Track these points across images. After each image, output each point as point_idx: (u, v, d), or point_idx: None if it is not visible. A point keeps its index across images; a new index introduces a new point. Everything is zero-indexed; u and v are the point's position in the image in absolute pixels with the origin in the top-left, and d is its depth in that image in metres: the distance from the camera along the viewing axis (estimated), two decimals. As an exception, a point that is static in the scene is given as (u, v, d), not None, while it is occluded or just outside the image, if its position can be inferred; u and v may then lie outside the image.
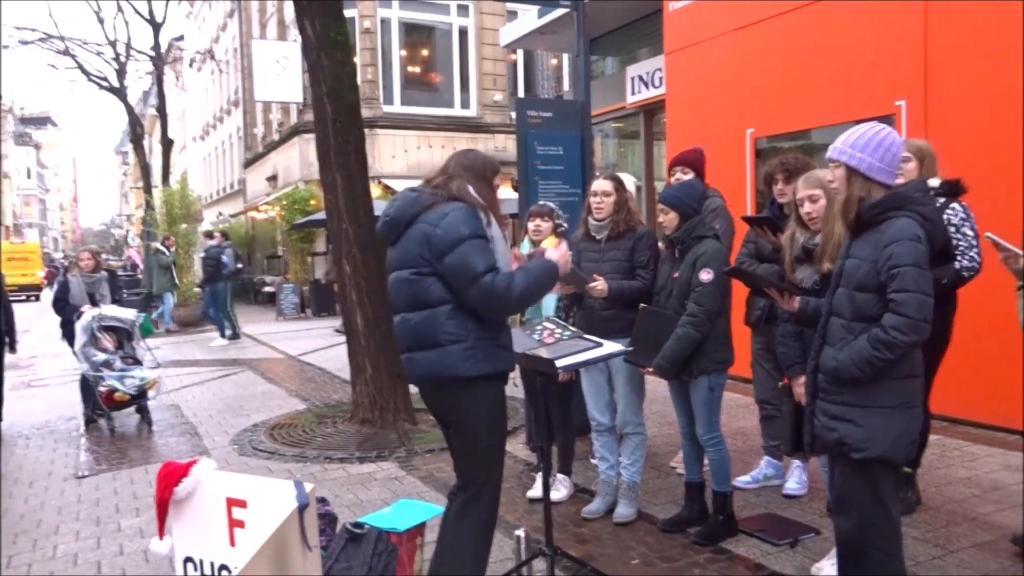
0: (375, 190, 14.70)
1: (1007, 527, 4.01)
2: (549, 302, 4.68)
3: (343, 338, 7.18)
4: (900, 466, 2.84)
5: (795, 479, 4.65)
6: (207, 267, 13.83)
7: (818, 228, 3.48)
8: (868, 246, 2.71)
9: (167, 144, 25.57)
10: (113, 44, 23.41)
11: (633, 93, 10.95)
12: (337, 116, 6.62)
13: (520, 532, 3.60)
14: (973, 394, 5.69)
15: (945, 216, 3.90)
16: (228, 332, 13.84)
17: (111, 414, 6.94)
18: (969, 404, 5.77)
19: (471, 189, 2.98)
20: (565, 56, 15.64)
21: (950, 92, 5.94)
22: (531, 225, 4.78)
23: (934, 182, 4.02)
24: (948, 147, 5.16)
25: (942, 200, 3.95)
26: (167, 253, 16.00)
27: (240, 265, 15.25)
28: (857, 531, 2.77)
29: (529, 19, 12.01)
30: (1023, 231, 3.55)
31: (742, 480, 4.74)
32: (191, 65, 30.31)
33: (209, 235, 15.33)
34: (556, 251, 3.13)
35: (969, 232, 3.89)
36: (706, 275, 3.82)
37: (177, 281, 16.50)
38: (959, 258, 3.84)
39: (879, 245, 2.66)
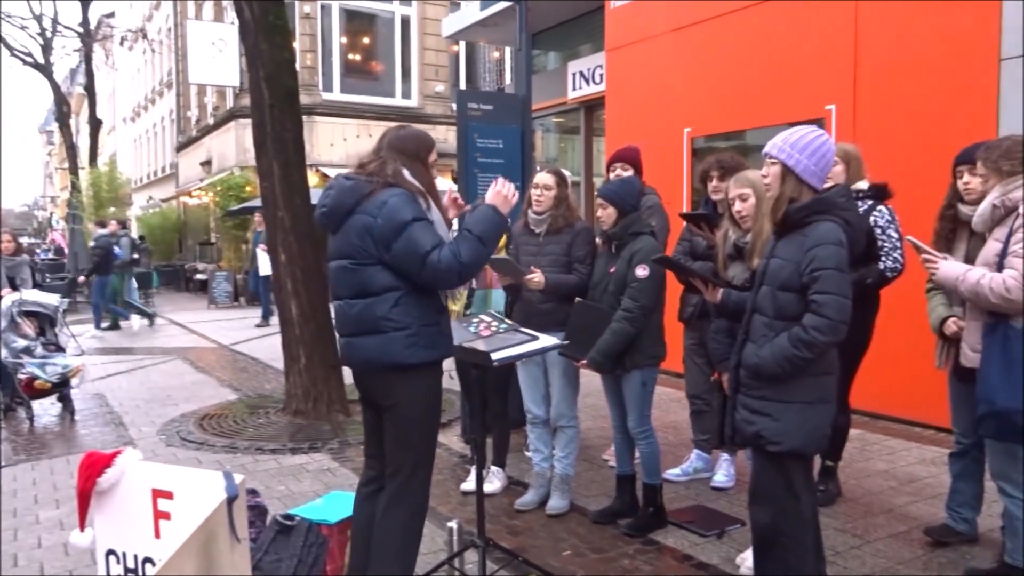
0: (312, 178, 14.50)
1: (921, 518, 4.19)
2: (498, 297, 4.69)
3: (273, 328, 7.07)
4: (812, 459, 2.95)
5: (723, 472, 4.76)
6: (94, 256, 13.18)
7: (749, 226, 3.56)
8: (792, 247, 2.81)
9: (95, 124, 24.80)
10: (39, 18, 22.61)
11: (574, 89, 11.02)
12: (275, 102, 6.50)
13: (453, 524, 3.61)
14: (892, 391, 5.92)
15: (872, 218, 4.04)
16: (138, 319, 13.71)
17: (31, 403, 6.68)
18: (889, 400, 6.00)
19: (406, 173, 2.94)
20: (507, 49, 15.65)
21: (878, 97, 6.14)
22: None
23: (862, 185, 4.16)
24: (875, 151, 5.34)
25: (869, 203, 4.09)
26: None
27: (136, 256, 14.69)
28: (770, 521, 2.88)
29: (472, 11, 11.98)
30: (933, 233, 3.70)
31: (672, 473, 4.84)
32: (122, 44, 29.42)
33: (101, 223, 14.37)
34: (489, 193, 3.01)
35: (894, 234, 4.03)
36: (642, 271, 3.88)
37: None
38: (883, 259, 3.98)
39: (803, 247, 2.76)
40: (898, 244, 4.02)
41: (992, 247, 3.18)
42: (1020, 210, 3.07)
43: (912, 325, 5.40)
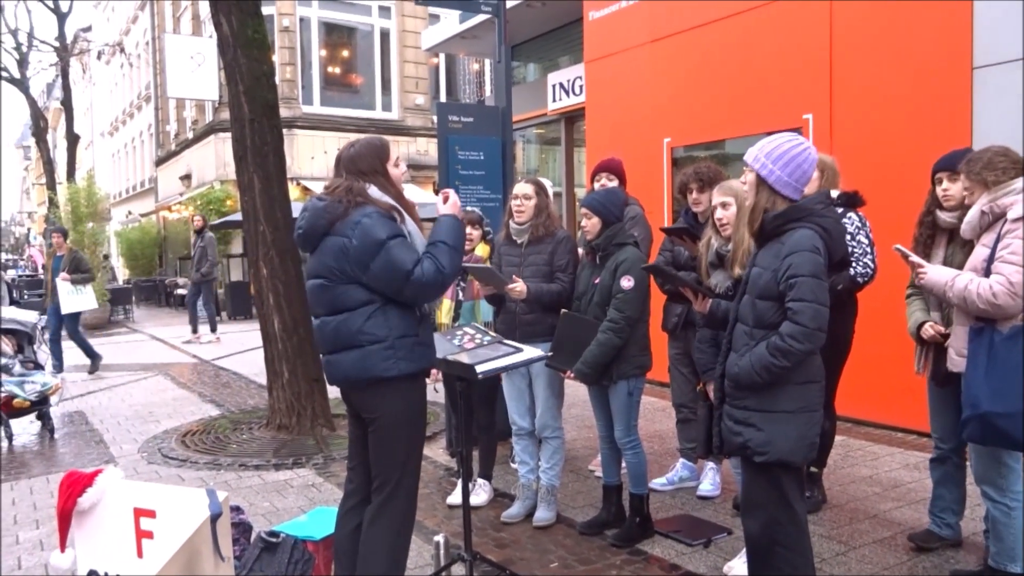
0: (293, 191, 14.41)
1: (905, 523, 4.21)
2: (487, 308, 4.69)
3: (255, 342, 7.01)
4: (801, 467, 2.95)
5: (709, 481, 4.77)
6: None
7: (729, 234, 3.58)
8: (770, 255, 2.81)
9: (73, 139, 24.58)
10: (14, 33, 22.40)
11: (554, 100, 11.07)
12: (254, 116, 6.48)
13: (439, 538, 3.60)
14: (875, 396, 5.96)
15: None
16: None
17: (9, 421, 6.59)
18: (871, 406, 6.04)
19: (372, 190, 2.93)
20: (487, 61, 15.71)
21: (854, 107, 6.21)
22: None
23: (834, 193, 4.20)
24: (852, 159, 5.40)
25: (840, 210, 4.13)
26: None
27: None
28: (764, 531, 2.87)
29: (451, 23, 12.02)
30: (912, 239, 3.74)
31: (658, 482, 4.84)
32: (99, 58, 29.25)
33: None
34: (445, 204, 3.06)
35: (864, 240, 4.06)
36: (627, 282, 3.89)
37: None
38: (854, 264, 4.01)
39: (780, 255, 2.76)
40: (868, 250, 4.05)
41: (980, 253, 3.22)
42: (1008, 216, 3.11)
43: (891, 331, 5.45)
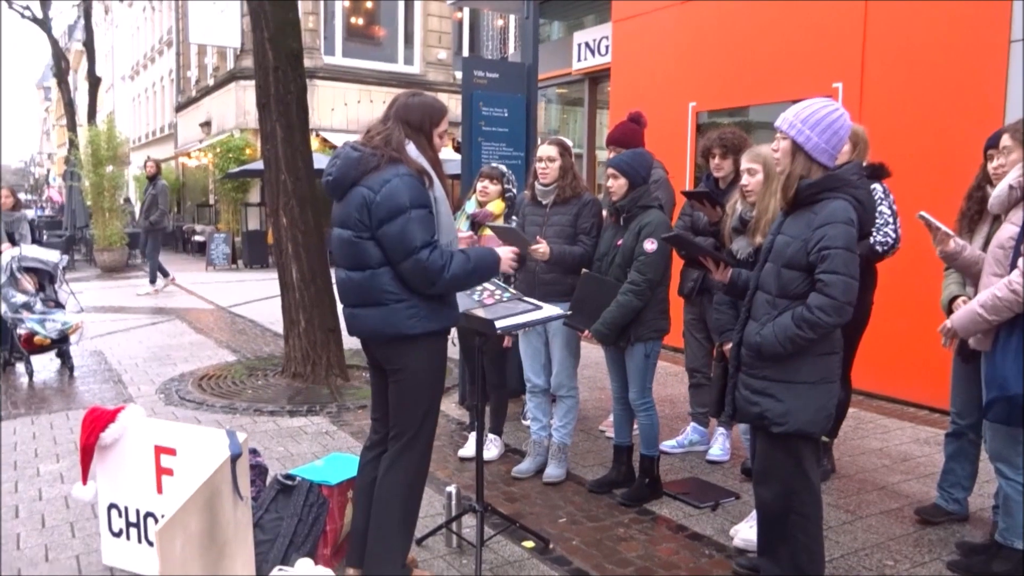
0: (313, 143, 14.39)
1: (913, 496, 4.24)
2: None
3: (271, 291, 7.03)
4: (818, 438, 2.95)
5: (719, 446, 4.80)
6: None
7: (754, 201, 3.55)
8: (800, 224, 2.76)
9: (94, 82, 24.57)
10: (38, -28, 22.23)
11: (579, 60, 10.92)
12: (279, 64, 6.44)
13: (451, 488, 3.66)
14: (888, 370, 5.96)
15: None
16: None
17: (30, 358, 6.70)
18: (885, 379, 6.04)
19: (410, 147, 2.91)
20: (511, 18, 15.49)
21: (885, 77, 6.11)
22: (479, 185, 4.75)
23: (859, 164, 4.15)
24: (881, 130, 5.32)
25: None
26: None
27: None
28: (779, 499, 2.88)
29: (478, -23, 11.84)
30: (958, 212, 3.68)
31: (668, 444, 4.88)
32: (122, 0, 28.98)
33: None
34: (504, 248, 3.09)
35: (886, 210, 4.01)
36: (650, 245, 3.88)
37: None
38: (874, 233, 3.96)
39: (811, 225, 2.71)
40: (891, 220, 4.00)
41: (1007, 230, 3.15)
42: None
43: (909, 306, 5.44)
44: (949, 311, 3.58)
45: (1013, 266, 3.06)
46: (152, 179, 13.20)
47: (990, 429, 3.36)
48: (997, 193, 3.23)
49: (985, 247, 3.39)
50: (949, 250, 3.41)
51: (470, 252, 2.96)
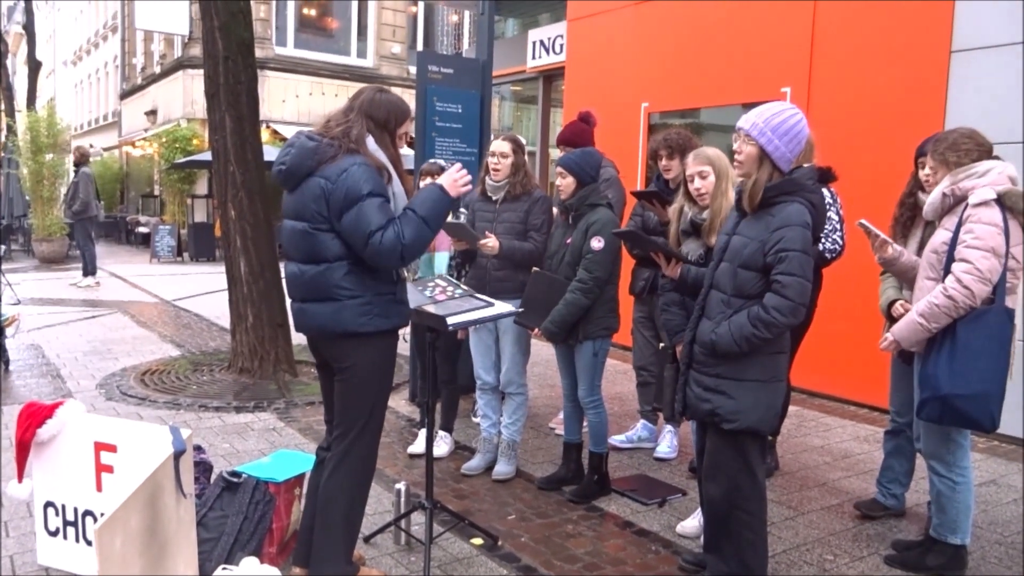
0: (263, 134, 14.17)
1: (853, 492, 4.35)
2: (441, 260, 4.68)
3: (217, 284, 6.90)
4: (765, 436, 3.01)
5: (667, 443, 4.86)
6: None
7: (707, 204, 3.58)
8: (758, 226, 2.80)
9: (34, 66, 23.84)
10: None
11: (534, 58, 10.96)
12: (229, 53, 6.32)
13: (400, 486, 3.64)
14: (829, 370, 6.11)
15: None
16: None
17: (-37, 352, 6.47)
18: (826, 379, 6.19)
19: (370, 141, 2.87)
20: (467, 13, 15.46)
21: (832, 82, 6.25)
22: (423, 183, 4.74)
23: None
24: (827, 135, 5.44)
25: None
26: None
27: None
28: (725, 496, 2.92)
29: (434, -29, 11.78)
30: (891, 219, 3.79)
31: (617, 439, 4.93)
32: (65, -17, 28.15)
33: None
34: (443, 176, 2.99)
35: (834, 216, 4.10)
36: (597, 243, 3.90)
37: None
38: (823, 240, 4.05)
39: (769, 227, 2.75)
40: (838, 226, 4.10)
41: (941, 235, 3.26)
42: (969, 201, 3.13)
43: (849, 308, 5.57)
44: (888, 314, 3.68)
45: (947, 271, 3.16)
46: (77, 166, 12.75)
47: (923, 428, 3.46)
48: (931, 201, 3.33)
49: (919, 251, 3.51)
50: (887, 256, 3.51)
51: (413, 205, 2.86)
